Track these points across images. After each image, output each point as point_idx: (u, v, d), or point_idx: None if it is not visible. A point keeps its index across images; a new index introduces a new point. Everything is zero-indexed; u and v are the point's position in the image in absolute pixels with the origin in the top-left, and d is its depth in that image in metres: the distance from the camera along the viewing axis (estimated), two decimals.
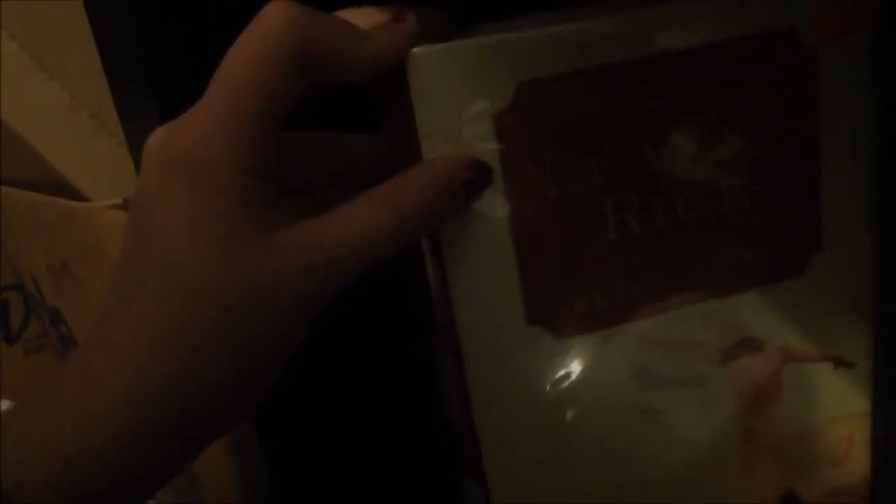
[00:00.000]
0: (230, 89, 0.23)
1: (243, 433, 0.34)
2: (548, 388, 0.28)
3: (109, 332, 0.23)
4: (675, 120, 0.27)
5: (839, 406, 0.32)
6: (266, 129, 0.23)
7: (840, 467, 0.33)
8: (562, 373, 0.28)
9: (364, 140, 0.28)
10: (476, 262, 0.27)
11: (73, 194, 0.45)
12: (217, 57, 0.30)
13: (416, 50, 0.25)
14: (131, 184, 0.35)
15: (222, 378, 0.23)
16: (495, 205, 0.26)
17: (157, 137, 0.24)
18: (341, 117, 0.28)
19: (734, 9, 0.26)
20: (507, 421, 0.29)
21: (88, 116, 0.42)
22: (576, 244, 0.27)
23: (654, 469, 0.30)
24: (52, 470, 0.22)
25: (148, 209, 0.23)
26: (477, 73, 0.25)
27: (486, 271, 0.27)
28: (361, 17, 0.25)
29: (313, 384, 0.35)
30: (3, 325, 0.54)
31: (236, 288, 0.22)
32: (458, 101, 0.25)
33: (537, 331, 0.28)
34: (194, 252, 0.22)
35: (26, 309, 0.55)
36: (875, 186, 0.29)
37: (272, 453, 0.34)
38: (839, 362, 0.31)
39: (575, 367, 0.28)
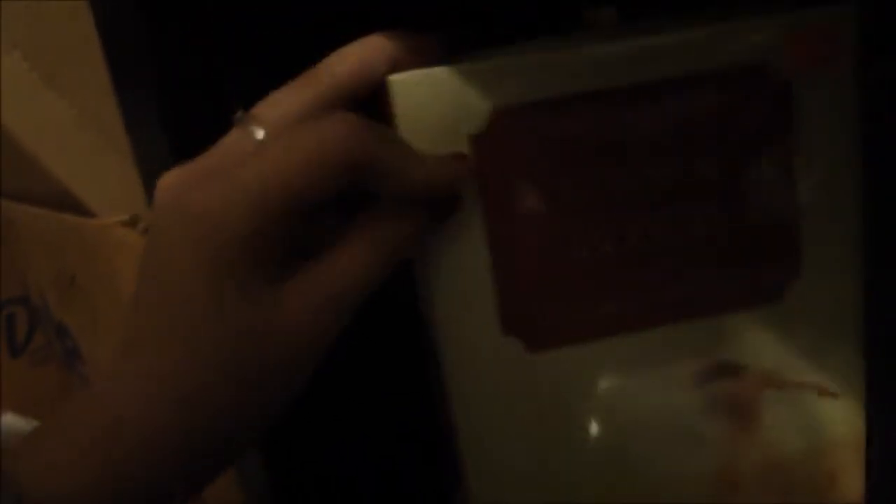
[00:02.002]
0: (268, 179, 0.23)
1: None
2: (525, 398, 0.29)
3: (120, 381, 0.24)
4: (649, 148, 0.28)
5: (824, 434, 0.32)
6: (293, 218, 0.24)
7: (822, 497, 0.33)
8: (538, 384, 0.29)
9: None
10: (455, 275, 0.28)
11: (82, 210, 0.46)
12: (225, 73, 0.32)
13: (394, 77, 0.26)
14: (139, 200, 0.35)
15: (230, 425, 0.24)
16: (471, 218, 0.27)
17: (172, 185, 0.25)
18: None
19: (707, 42, 0.27)
20: (487, 427, 0.29)
21: (97, 132, 0.43)
22: (549, 261, 0.28)
23: (631, 489, 0.31)
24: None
25: (163, 262, 0.24)
26: (454, 98, 0.26)
27: (464, 283, 0.28)
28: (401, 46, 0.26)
29: (312, 388, 0.36)
30: (9, 338, 0.55)
31: (248, 343, 0.23)
32: (437, 124, 0.26)
33: (512, 340, 0.29)
34: (208, 310, 0.23)
35: (31, 322, 0.56)
36: (863, 213, 0.29)
37: (270, 455, 0.35)
38: (822, 391, 0.31)
39: (551, 380, 0.29)
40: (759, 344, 0.30)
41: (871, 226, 0.29)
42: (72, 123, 0.44)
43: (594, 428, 0.30)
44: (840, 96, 0.28)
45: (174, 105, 0.30)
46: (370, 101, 0.27)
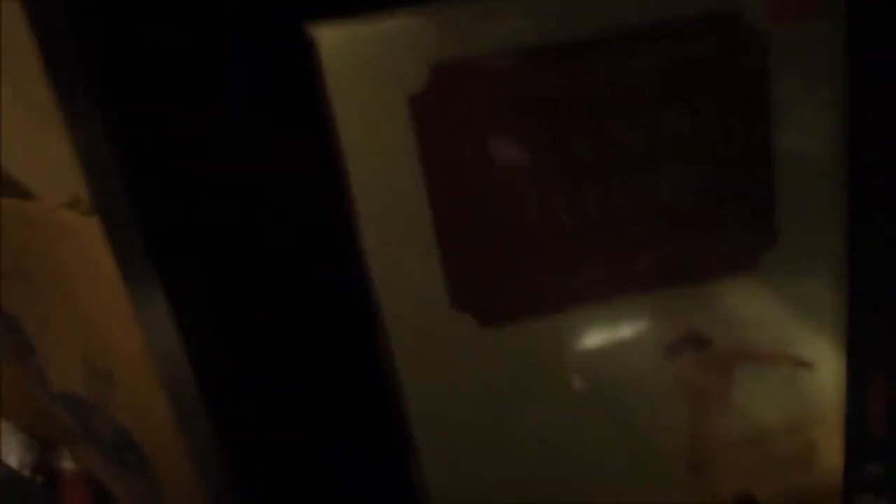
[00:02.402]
0: None
1: (204, 441, 0.34)
2: (478, 376, 0.28)
3: None
4: (608, 105, 0.26)
5: (800, 410, 0.31)
6: None
7: (800, 471, 0.32)
8: (492, 361, 0.28)
9: None
10: (396, 247, 0.26)
11: (21, 192, 0.44)
12: (158, 50, 0.30)
13: (321, 34, 0.24)
14: (79, 180, 0.34)
15: None
16: (413, 188, 0.26)
17: None
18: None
19: None
20: (439, 410, 0.28)
21: (33, 112, 0.42)
22: (500, 232, 0.27)
23: (593, 466, 0.30)
24: None
25: None
26: (389, 56, 0.24)
27: (408, 257, 0.26)
28: None
29: (272, 387, 0.35)
30: None
31: None
32: (371, 86, 0.25)
33: (464, 317, 0.27)
34: None
35: None
36: (846, 175, 0.28)
37: (234, 457, 0.34)
38: (798, 364, 0.30)
39: (507, 357, 0.28)
40: (732, 315, 0.29)
41: (857, 186, 0.28)
42: (6, 103, 0.42)
43: (556, 405, 0.29)
44: (820, 51, 0.27)
45: (107, 83, 0.29)
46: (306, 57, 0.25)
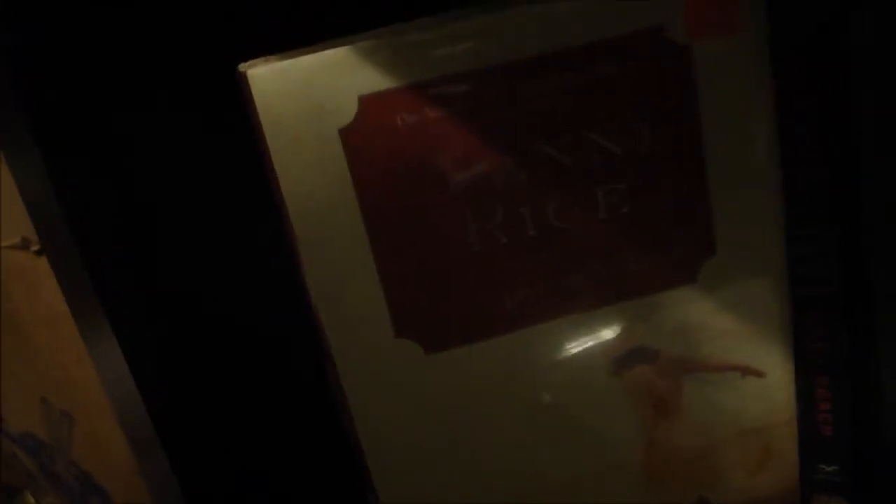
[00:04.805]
0: None
1: (163, 479, 0.34)
2: (427, 400, 0.28)
3: None
4: (538, 127, 0.26)
5: (751, 416, 0.31)
6: None
7: (754, 477, 0.32)
8: (439, 385, 0.28)
9: None
10: (339, 277, 0.26)
11: None
12: (96, 94, 0.30)
13: (252, 70, 0.24)
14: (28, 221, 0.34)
15: None
16: (350, 219, 0.26)
17: None
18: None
19: (601, 8, 0.26)
20: (390, 434, 0.28)
21: None
22: (438, 256, 0.27)
23: (547, 483, 0.30)
24: None
25: None
26: (318, 88, 0.24)
27: (350, 287, 0.26)
28: None
29: (226, 421, 0.35)
30: None
31: None
32: (303, 119, 0.25)
33: (407, 343, 0.27)
34: None
35: None
36: (778, 184, 0.28)
37: (193, 493, 0.34)
38: (746, 371, 0.30)
39: (454, 380, 0.28)
40: (677, 327, 0.29)
41: (790, 191, 0.28)
42: None
43: (506, 425, 0.29)
44: (744, 63, 0.27)
45: (47, 126, 0.30)
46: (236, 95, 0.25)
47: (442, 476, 0.29)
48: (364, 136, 0.25)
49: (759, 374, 0.30)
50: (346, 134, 0.25)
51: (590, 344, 0.29)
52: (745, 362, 0.30)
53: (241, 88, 0.25)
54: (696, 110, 0.27)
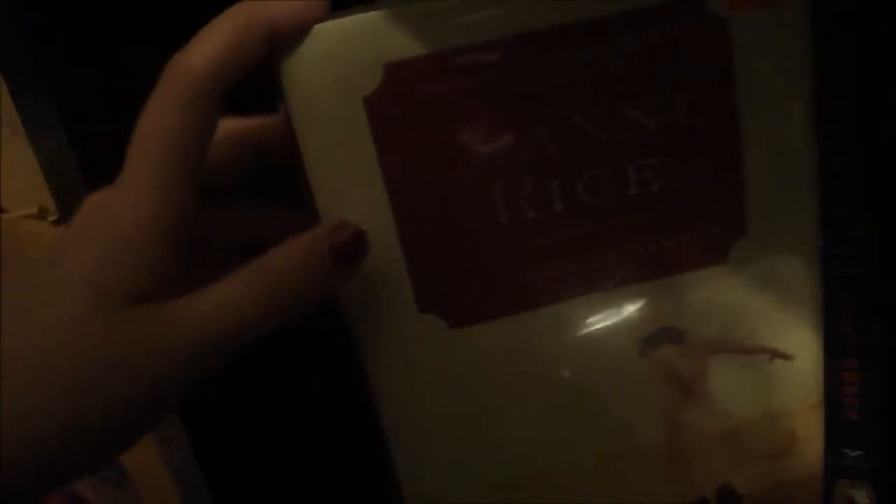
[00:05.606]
0: (146, 147, 0.23)
1: (182, 452, 0.34)
2: (450, 377, 0.28)
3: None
4: (573, 98, 0.25)
5: (778, 400, 0.30)
6: (181, 187, 0.23)
7: (781, 462, 0.31)
8: (462, 362, 0.27)
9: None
10: None
11: None
12: (118, 61, 0.30)
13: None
14: (46, 192, 0.34)
15: (91, 424, 0.23)
16: (374, 190, 0.25)
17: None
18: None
19: None
20: (412, 411, 0.28)
21: (1, 124, 0.41)
22: (463, 229, 0.26)
23: (570, 464, 0.29)
24: None
25: (61, 250, 0.23)
26: (343, 56, 0.24)
27: (372, 261, 0.26)
28: None
29: (247, 398, 0.35)
30: None
31: (114, 351, 0.22)
32: (327, 86, 0.24)
33: (431, 318, 0.27)
34: (82, 310, 0.22)
35: None
36: (814, 163, 0.27)
37: (211, 468, 0.34)
38: (775, 354, 0.30)
39: (478, 357, 0.27)
40: (705, 307, 0.29)
41: (825, 171, 0.27)
42: None
43: (530, 403, 0.28)
44: (783, 36, 0.26)
45: (66, 94, 0.30)
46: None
47: (464, 452, 0.29)
48: (389, 104, 0.24)
49: (787, 357, 0.30)
50: (371, 102, 0.24)
51: (616, 322, 0.28)
52: (774, 345, 0.30)
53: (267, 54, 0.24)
54: (733, 85, 0.26)
